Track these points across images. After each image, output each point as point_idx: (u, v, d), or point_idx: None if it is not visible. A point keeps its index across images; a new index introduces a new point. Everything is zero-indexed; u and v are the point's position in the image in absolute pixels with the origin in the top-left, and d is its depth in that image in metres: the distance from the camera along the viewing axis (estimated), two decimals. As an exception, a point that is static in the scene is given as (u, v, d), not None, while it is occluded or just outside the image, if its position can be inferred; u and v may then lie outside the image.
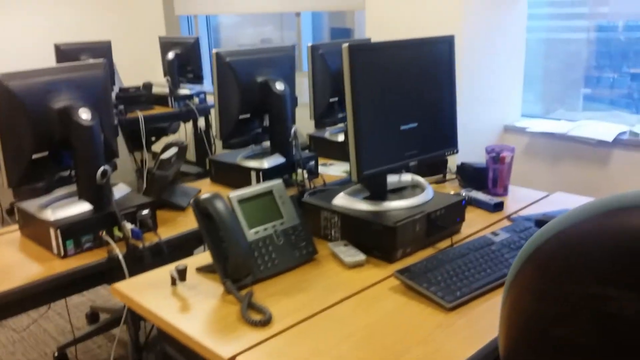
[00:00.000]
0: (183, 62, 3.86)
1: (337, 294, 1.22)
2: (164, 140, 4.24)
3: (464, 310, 1.14)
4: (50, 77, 1.57)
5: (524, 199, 1.77)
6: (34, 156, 1.55)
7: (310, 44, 2.30)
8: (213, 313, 1.14)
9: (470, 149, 2.62)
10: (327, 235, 1.49)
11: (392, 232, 1.33)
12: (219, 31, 5.47)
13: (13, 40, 4.79)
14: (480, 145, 2.61)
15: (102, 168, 1.59)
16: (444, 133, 1.59)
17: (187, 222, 1.76)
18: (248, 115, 2.07)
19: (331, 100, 2.37)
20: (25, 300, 1.44)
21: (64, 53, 3.39)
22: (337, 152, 2.42)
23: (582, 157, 2.89)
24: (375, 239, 1.37)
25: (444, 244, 1.46)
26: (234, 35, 5.44)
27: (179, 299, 1.21)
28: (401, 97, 1.46)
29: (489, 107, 3.12)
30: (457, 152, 1.62)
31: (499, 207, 1.67)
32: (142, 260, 1.54)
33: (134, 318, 1.76)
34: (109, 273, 1.56)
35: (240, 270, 1.21)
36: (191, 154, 4.64)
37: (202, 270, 1.32)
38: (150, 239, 1.61)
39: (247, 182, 2.02)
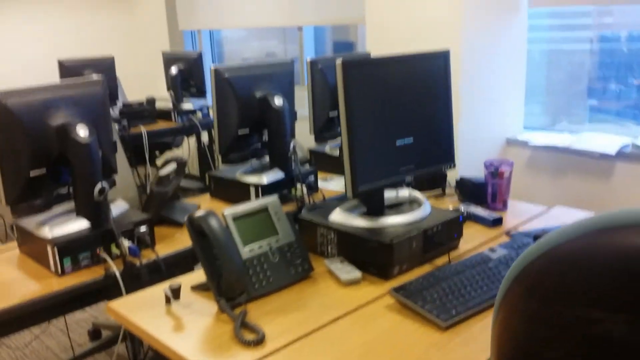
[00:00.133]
0: (186, 76, 3.88)
1: (332, 312, 1.21)
2: (168, 155, 4.26)
3: (459, 328, 1.13)
4: (48, 94, 1.58)
5: (523, 213, 1.76)
6: (32, 173, 1.55)
7: (309, 59, 2.31)
8: (207, 332, 1.14)
9: (472, 162, 2.61)
10: (323, 252, 1.48)
11: (388, 249, 1.33)
12: (223, 45, 5.51)
13: (17, 55, 4.84)
14: (482, 158, 2.59)
15: (99, 185, 1.59)
16: (440, 147, 1.58)
17: (186, 239, 1.75)
18: (247, 131, 2.07)
19: (331, 114, 2.38)
20: (22, 318, 1.43)
21: (67, 69, 3.42)
22: (337, 166, 2.42)
23: (585, 170, 2.87)
24: (371, 256, 1.36)
25: (441, 260, 1.45)
26: (238, 49, 5.48)
27: (172, 317, 1.20)
28: (397, 112, 1.46)
29: (491, 120, 3.11)
30: (454, 166, 1.61)
31: (497, 222, 1.66)
32: (139, 278, 1.54)
33: (132, 336, 1.75)
34: (106, 290, 1.55)
35: (234, 288, 1.21)
36: (195, 169, 4.65)
37: (197, 288, 1.31)
38: (148, 255, 1.60)
39: (246, 198, 2.02)
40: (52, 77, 3.48)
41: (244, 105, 2.03)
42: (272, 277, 1.29)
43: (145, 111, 3.77)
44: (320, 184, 2.25)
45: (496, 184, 1.77)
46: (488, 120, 3.10)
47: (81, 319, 2.87)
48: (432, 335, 1.11)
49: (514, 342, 0.61)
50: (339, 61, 1.33)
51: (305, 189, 2.05)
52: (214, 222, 1.21)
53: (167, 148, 4.32)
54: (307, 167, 2.38)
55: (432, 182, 2.00)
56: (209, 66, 2.10)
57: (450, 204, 1.87)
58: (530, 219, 1.71)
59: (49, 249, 1.51)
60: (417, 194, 1.60)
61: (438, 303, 1.16)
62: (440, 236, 1.45)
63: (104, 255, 1.56)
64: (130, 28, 5.47)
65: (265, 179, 2.02)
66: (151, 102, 3.86)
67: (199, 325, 1.16)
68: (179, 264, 1.68)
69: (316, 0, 4.08)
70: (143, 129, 3.57)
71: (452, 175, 1.97)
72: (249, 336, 1.10)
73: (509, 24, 3.08)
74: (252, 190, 2.00)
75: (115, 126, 3.51)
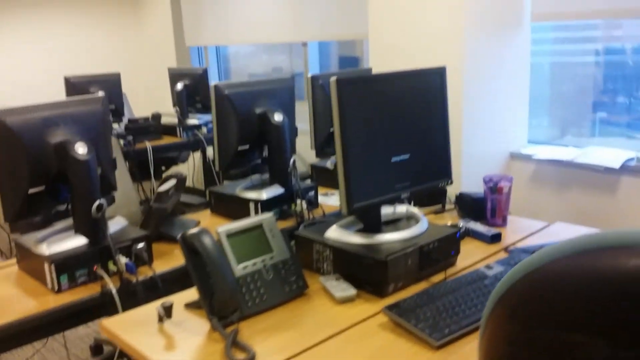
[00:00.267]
0: (192, 92, 3.92)
1: (326, 330, 1.21)
2: (174, 170, 4.28)
3: (453, 347, 1.11)
4: (48, 112, 1.59)
5: (523, 229, 1.75)
6: (31, 191, 1.56)
7: (310, 75, 2.32)
8: (198, 351, 1.13)
9: (475, 176, 2.60)
10: (319, 269, 1.47)
11: (382, 266, 1.32)
12: (230, 61, 5.55)
13: (25, 73, 4.91)
14: (485, 173, 2.58)
15: (97, 202, 1.60)
16: (437, 164, 1.57)
17: (184, 255, 1.75)
18: (247, 147, 2.08)
19: (332, 129, 2.38)
20: (18, 335, 1.43)
21: (73, 85, 3.46)
22: (338, 181, 2.41)
23: (590, 184, 2.84)
24: (366, 273, 1.35)
25: (438, 277, 1.43)
26: (245, 64, 5.52)
27: (164, 336, 1.20)
28: (392, 129, 1.45)
29: (494, 134, 3.10)
30: (451, 182, 1.60)
31: (496, 238, 1.65)
32: (135, 295, 1.54)
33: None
34: (104, 307, 1.55)
35: (227, 306, 1.20)
36: (200, 183, 4.66)
37: (191, 306, 1.31)
38: (145, 272, 1.61)
39: (246, 213, 2.02)
40: (59, 93, 3.52)
41: (244, 121, 2.04)
42: (265, 295, 1.29)
43: (151, 127, 3.81)
44: (321, 199, 2.24)
45: (495, 200, 1.76)
46: (492, 135, 3.09)
47: (84, 334, 2.87)
48: (424, 354, 1.09)
49: (498, 365, 0.60)
50: (333, 79, 1.34)
51: (305, 205, 2.05)
52: (206, 240, 1.21)
53: (173, 163, 4.35)
54: (308, 182, 2.39)
55: (432, 198, 1.99)
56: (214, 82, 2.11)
57: (450, 219, 1.86)
58: (529, 235, 1.70)
59: (45, 265, 1.51)
60: (414, 210, 1.60)
61: (431, 322, 1.15)
62: (437, 253, 1.44)
63: (101, 272, 1.56)
64: (138, 44, 5.53)
65: (265, 194, 2.02)
66: (157, 117, 3.89)
67: (191, 344, 1.16)
68: (177, 280, 1.68)
69: (320, 16, 4.11)
70: (148, 144, 3.60)
71: (453, 191, 1.96)
72: (240, 355, 1.09)
73: (512, 38, 3.08)
74: (252, 206, 2.00)
75: (121, 141, 3.54)
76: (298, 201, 2.04)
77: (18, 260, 1.70)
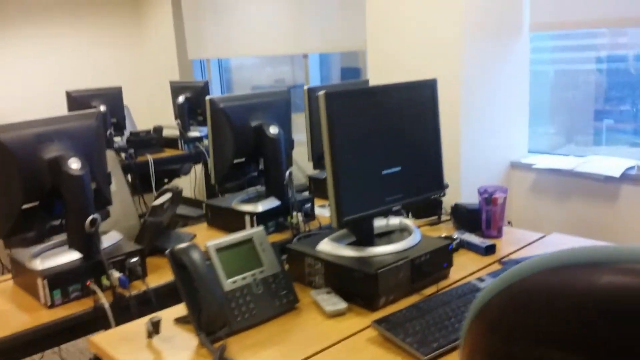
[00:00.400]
0: (193, 105, 3.94)
1: (315, 345, 1.20)
2: (176, 182, 4.29)
3: (441, 362, 1.10)
4: (42, 128, 1.60)
5: (518, 241, 1.73)
6: (25, 206, 1.57)
7: (306, 87, 2.32)
8: (185, 367, 1.13)
9: (475, 187, 2.58)
10: (311, 282, 1.47)
11: (373, 279, 1.31)
12: (232, 73, 5.58)
13: (27, 87, 4.95)
14: (486, 182, 2.57)
15: (91, 217, 1.60)
16: (429, 176, 1.57)
17: (178, 269, 1.75)
18: (243, 160, 2.09)
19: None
20: (11, 350, 1.43)
21: (75, 99, 3.48)
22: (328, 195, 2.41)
23: (590, 193, 2.82)
24: (357, 287, 1.34)
25: (430, 290, 1.42)
26: (248, 76, 5.54)
27: (153, 352, 1.19)
28: (383, 142, 1.45)
29: (494, 143, 3.09)
30: (444, 194, 1.60)
31: (490, 250, 1.64)
32: (128, 309, 1.54)
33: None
34: (98, 322, 1.55)
35: (215, 321, 1.20)
36: (202, 195, 4.67)
37: (180, 321, 1.31)
38: (140, 287, 1.61)
39: (242, 226, 2.02)
40: (62, 108, 3.55)
41: (240, 134, 2.04)
42: (255, 310, 1.28)
43: (153, 139, 3.83)
44: (318, 210, 2.24)
45: (490, 211, 1.75)
46: (491, 144, 3.08)
47: (83, 347, 2.87)
48: (412, 369, 1.08)
49: (477, 381, 0.59)
50: (321, 93, 1.34)
51: (301, 217, 2.04)
52: (194, 255, 1.20)
53: (175, 175, 4.36)
54: (306, 194, 2.38)
55: (429, 209, 1.98)
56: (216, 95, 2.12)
57: (446, 231, 1.85)
58: (524, 247, 1.68)
59: (38, 281, 1.52)
60: (407, 222, 1.59)
61: (420, 336, 1.14)
62: (429, 265, 1.43)
63: (94, 286, 1.56)
64: (141, 58, 5.58)
65: (260, 207, 2.02)
66: (158, 130, 3.91)
67: None
68: (171, 294, 1.67)
69: (321, 28, 4.12)
70: (149, 157, 3.61)
71: (451, 201, 1.95)
72: (226, 371, 1.09)
73: (511, 48, 3.07)
74: (247, 219, 2.00)
75: (122, 155, 3.56)
76: (294, 213, 2.04)
77: (13, 276, 1.71)
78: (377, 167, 1.45)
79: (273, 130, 2.06)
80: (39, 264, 1.55)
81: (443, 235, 1.74)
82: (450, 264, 1.49)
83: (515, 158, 3.15)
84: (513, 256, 1.61)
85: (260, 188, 2.17)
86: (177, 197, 1.92)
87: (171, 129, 3.99)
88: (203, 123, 3.99)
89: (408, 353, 1.12)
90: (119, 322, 1.48)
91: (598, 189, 2.78)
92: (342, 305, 1.33)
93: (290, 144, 2.27)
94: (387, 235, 1.56)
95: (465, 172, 2.94)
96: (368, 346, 1.18)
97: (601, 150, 3.04)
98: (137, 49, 5.58)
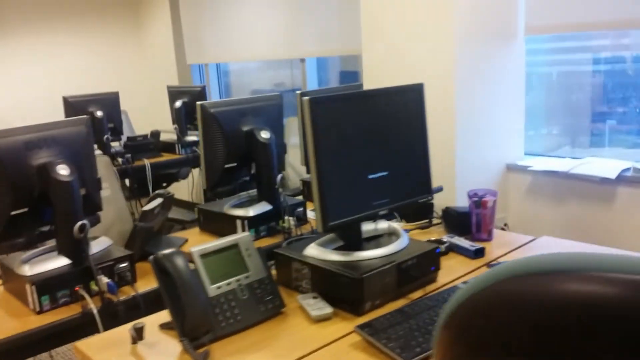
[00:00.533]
0: (190, 110, 3.94)
1: (299, 351, 1.20)
2: (175, 186, 4.30)
3: (424, 367, 1.10)
4: (30, 134, 1.61)
5: (508, 244, 1.73)
6: (13, 212, 1.58)
7: (298, 92, 2.32)
8: (167, 373, 1.13)
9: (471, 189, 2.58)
10: (298, 287, 1.46)
11: (358, 284, 1.31)
12: (231, 77, 5.59)
13: (24, 92, 4.97)
14: (482, 185, 2.57)
15: (79, 222, 1.61)
16: (416, 180, 1.57)
17: (168, 274, 1.75)
18: (234, 164, 2.09)
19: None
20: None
21: (71, 105, 3.49)
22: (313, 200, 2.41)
23: (586, 195, 2.81)
24: (343, 291, 1.34)
25: (417, 294, 1.42)
26: (247, 81, 5.55)
27: (136, 358, 1.19)
28: (368, 147, 1.45)
29: (490, 146, 3.08)
30: (431, 199, 1.59)
31: (479, 253, 1.63)
32: (117, 315, 1.54)
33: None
34: (87, 327, 1.55)
35: (199, 327, 1.20)
36: (199, 199, 4.68)
37: (165, 326, 1.31)
38: (129, 292, 1.61)
39: (233, 231, 2.02)
40: (59, 113, 3.56)
41: (231, 139, 2.04)
42: (240, 315, 1.28)
43: (150, 144, 3.84)
44: (311, 214, 2.24)
45: (480, 214, 1.74)
46: (487, 147, 3.07)
47: (81, 354, 2.87)
48: (394, 374, 1.08)
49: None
50: (305, 99, 1.34)
51: (292, 221, 2.04)
52: (177, 261, 1.21)
53: (173, 180, 4.37)
54: (300, 197, 2.38)
55: (420, 213, 1.98)
56: (215, 99, 2.12)
57: (436, 234, 1.85)
58: (514, 250, 1.68)
59: (27, 286, 1.52)
60: (396, 225, 1.59)
61: (403, 341, 1.14)
62: (416, 269, 1.42)
63: (82, 292, 1.56)
64: (140, 63, 5.60)
65: (252, 211, 2.02)
66: (155, 135, 3.92)
67: (162, 365, 1.16)
68: (160, 300, 1.67)
69: (317, 33, 4.13)
70: (147, 162, 3.62)
71: (445, 204, 1.94)
72: (208, 377, 1.09)
73: (506, 51, 3.07)
74: (239, 223, 2.01)
75: (119, 159, 3.57)
76: (286, 218, 2.04)
77: (3, 282, 1.71)
78: (363, 172, 1.45)
79: (264, 134, 2.06)
80: (28, 270, 1.55)
81: (433, 238, 1.74)
82: (437, 268, 1.49)
83: (511, 160, 3.15)
84: (502, 259, 1.61)
85: (253, 192, 2.18)
86: (168, 202, 1.93)
87: (169, 134, 4.00)
88: (200, 127, 4.00)
89: (391, 358, 1.12)
90: (107, 328, 1.48)
91: (594, 190, 2.78)
92: (327, 310, 1.32)
93: (282, 148, 2.27)
94: (375, 240, 1.56)
95: (460, 175, 2.93)
96: (351, 351, 1.17)
97: (599, 152, 3.03)
98: (136, 54, 5.60)
